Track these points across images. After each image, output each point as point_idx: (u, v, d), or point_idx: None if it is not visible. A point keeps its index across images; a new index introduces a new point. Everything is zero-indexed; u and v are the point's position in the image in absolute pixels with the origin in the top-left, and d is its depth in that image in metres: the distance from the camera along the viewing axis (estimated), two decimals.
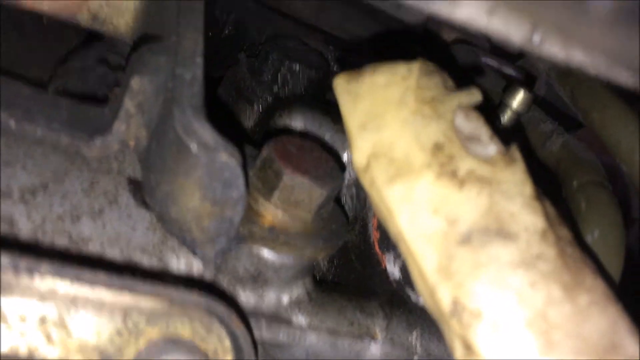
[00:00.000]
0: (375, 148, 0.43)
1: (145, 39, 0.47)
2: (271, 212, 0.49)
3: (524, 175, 0.39)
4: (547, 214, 0.38)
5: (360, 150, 0.44)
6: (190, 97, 0.41)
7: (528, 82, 0.74)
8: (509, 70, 0.77)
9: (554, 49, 0.30)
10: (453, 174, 0.39)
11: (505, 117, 0.57)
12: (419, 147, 0.41)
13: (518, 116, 0.57)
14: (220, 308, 0.42)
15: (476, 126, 0.42)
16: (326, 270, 0.62)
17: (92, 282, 0.39)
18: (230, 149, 0.40)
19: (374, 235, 0.64)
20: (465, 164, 0.40)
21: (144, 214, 0.52)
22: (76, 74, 0.50)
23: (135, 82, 0.43)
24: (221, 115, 0.43)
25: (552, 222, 0.38)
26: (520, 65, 0.80)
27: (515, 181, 0.39)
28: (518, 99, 0.56)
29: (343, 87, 0.48)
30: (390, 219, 0.41)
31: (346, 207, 0.65)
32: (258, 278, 0.51)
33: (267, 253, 0.50)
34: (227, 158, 0.40)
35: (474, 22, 0.30)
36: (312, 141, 0.53)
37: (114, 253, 0.49)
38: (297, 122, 0.64)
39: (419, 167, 0.40)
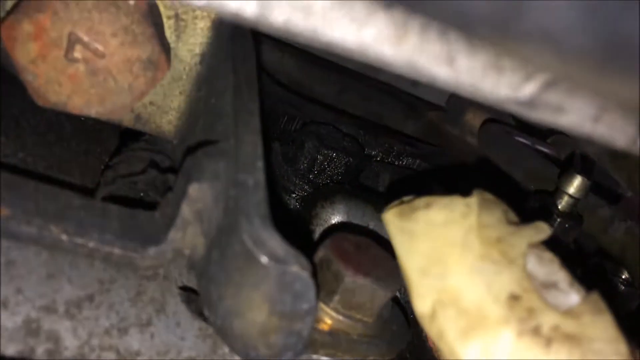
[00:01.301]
0: (441, 296, 0.40)
1: (200, 142, 0.45)
2: (331, 317, 0.46)
3: (615, 330, 0.36)
4: None
5: (423, 298, 0.41)
6: (255, 205, 0.39)
7: (565, 160, 0.73)
8: (543, 148, 0.76)
9: None
10: (536, 332, 0.36)
11: (563, 203, 0.55)
12: (492, 299, 0.38)
13: (576, 202, 0.56)
14: None
15: (551, 270, 0.39)
16: None
17: None
18: (302, 260, 0.38)
19: None
20: (548, 319, 0.36)
21: (192, 321, 0.49)
22: (124, 179, 0.48)
23: (194, 189, 0.41)
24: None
25: None
26: (551, 143, 0.79)
27: (607, 338, 0.36)
28: (575, 185, 0.55)
29: (396, 225, 0.44)
30: None
31: None
32: None
33: None
34: (298, 270, 0.37)
35: (578, 128, 0.28)
36: (367, 238, 0.50)
37: None
38: (340, 212, 0.62)
39: (495, 322, 0.37)
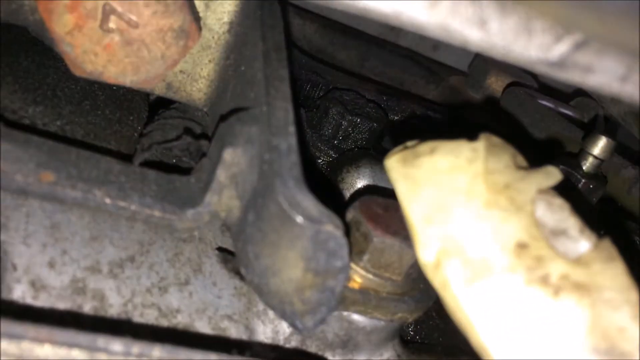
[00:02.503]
0: (446, 245, 0.38)
1: (232, 109, 0.47)
2: (361, 275, 0.48)
3: (626, 278, 0.35)
4: None
5: (427, 247, 0.39)
6: (289, 168, 0.41)
7: (588, 123, 0.74)
8: (567, 112, 0.76)
9: None
10: (544, 280, 0.35)
11: (587, 165, 0.56)
12: (499, 247, 0.36)
13: (600, 163, 0.56)
14: None
15: (562, 217, 0.37)
16: (406, 327, 0.61)
17: None
18: (335, 219, 0.40)
19: None
20: (557, 268, 0.35)
21: (227, 280, 0.51)
22: (160, 145, 0.50)
23: (228, 154, 0.43)
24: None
25: None
26: (574, 106, 0.80)
27: (618, 287, 0.35)
28: (600, 146, 0.56)
29: (399, 171, 0.42)
30: (471, 331, 0.36)
31: None
32: (348, 343, 0.50)
33: (358, 317, 0.49)
34: (332, 229, 0.39)
35: (607, 88, 0.29)
36: (394, 200, 0.52)
37: (202, 323, 0.48)
38: (365, 176, 0.64)
39: (502, 272, 0.36)
